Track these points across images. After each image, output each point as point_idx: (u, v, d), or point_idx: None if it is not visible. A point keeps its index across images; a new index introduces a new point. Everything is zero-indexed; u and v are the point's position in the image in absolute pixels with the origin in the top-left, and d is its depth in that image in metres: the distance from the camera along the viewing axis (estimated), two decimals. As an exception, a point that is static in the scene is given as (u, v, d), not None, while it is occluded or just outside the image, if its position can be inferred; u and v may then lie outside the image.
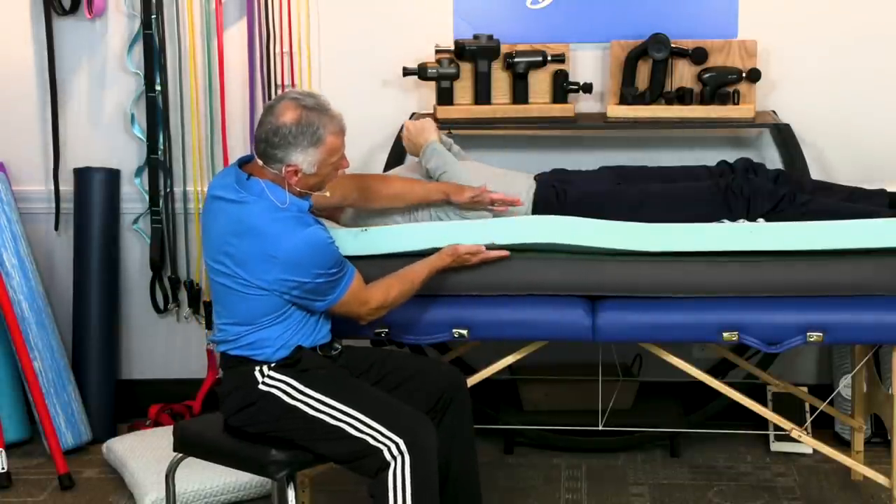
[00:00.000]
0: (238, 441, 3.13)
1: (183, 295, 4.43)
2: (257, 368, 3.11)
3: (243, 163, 3.15)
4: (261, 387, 3.09)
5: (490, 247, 3.34)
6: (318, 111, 3.03)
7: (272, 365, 3.10)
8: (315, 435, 3.05)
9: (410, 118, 4.09)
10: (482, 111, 4.03)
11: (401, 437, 2.97)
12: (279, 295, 3.04)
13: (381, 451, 2.97)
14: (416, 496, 2.96)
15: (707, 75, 3.97)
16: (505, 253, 3.35)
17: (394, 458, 2.96)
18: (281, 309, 3.08)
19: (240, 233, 3.04)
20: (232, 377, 3.16)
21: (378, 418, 3.01)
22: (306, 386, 3.07)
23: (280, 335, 3.10)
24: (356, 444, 3.00)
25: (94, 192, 4.30)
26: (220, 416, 3.21)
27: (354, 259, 3.32)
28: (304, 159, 3.03)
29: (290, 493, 3.06)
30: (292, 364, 3.11)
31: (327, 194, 3.21)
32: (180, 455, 3.24)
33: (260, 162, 3.07)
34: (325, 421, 3.03)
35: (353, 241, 3.37)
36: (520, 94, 4.04)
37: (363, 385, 3.16)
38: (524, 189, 3.57)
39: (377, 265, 3.33)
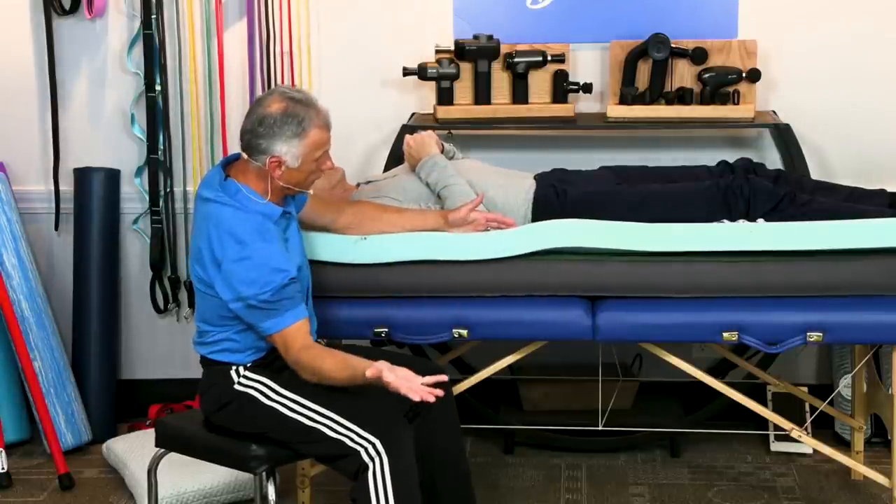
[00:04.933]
0: (218, 436, 3.14)
1: (183, 295, 4.43)
2: (233, 368, 3.12)
3: (228, 162, 3.16)
4: (237, 387, 3.10)
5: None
6: (304, 104, 3.04)
7: (248, 365, 3.12)
8: (293, 436, 3.06)
9: (410, 118, 4.09)
10: (482, 111, 4.03)
11: (377, 438, 2.97)
12: (224, 302, 3.04)
13: (359, 452, 2.97)
14: (398, 497, 2.97)
15: (707, 75, 3.97)
16: (440, 392, 2.95)
17: (372, 459, 2.97)
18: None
19: (200, 230, 3.07)
20: (209, 375, 3.18)
21: (353, 419, 3.01)
22: (282, 386, 3.08)
23: (247, 340, 3.11)
24: (334, 446, 3.01)
25: (94, 192, 4.30)
26: (201, 411, 3.23)
27: (352, 268, 3.33)
28: (287, 150, 3.03)
29: (271, 489, 3.07)
30: (268, 364, 3.11)
31: (310, 192, 3.20)
32: (162, 451, 3.25)
33: (244, 155, 3.07)
34: (302, 422, 3.04)
35: (352, 249, 3.38)
36: (520, 94, 4.04)
37: None
38: (524, 189, 3.57)
39: (376, 273, 3.33)
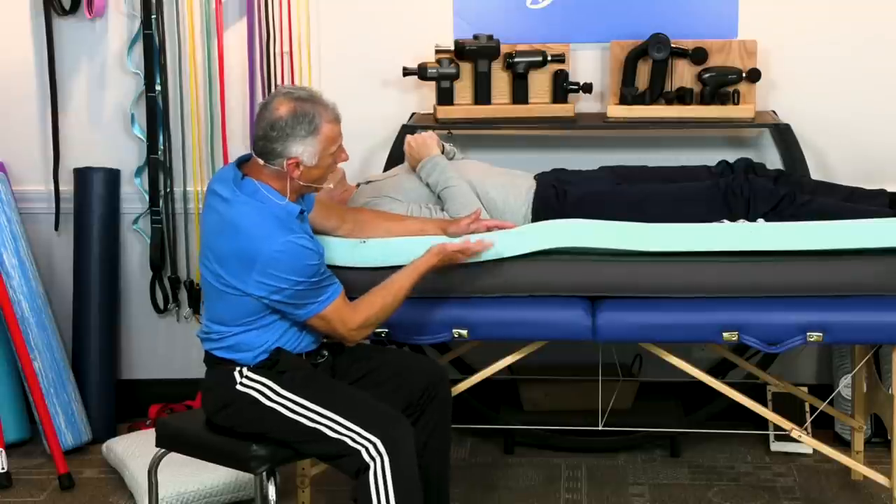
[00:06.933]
0: (218, 436, 3.14)
1: (183, 295, 4.43)
2: (237, 369, 3.12)
3: (241, 162, 3.16)
4: (238, 387, 3.11)
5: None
6: (311, 101, 3.05)
7: (251, 366, 3.12)
8: (294, 436, 3.07)
9: (410, 118, 4.09)
10: (482, 111, 4.03)
11: (378, 438, 2.98)
12: (257, 299, 3.04)
13: (360, 452, 2.98)
14: (399, 496, 2.97)
15: (707, 75, 3.97)
16: (490, 244, 3.33)
17: (372, 458, 2.97)
18: (260, 313, 3.08)
19: (223, 231, 3.05)
20: (212, 375, 3.18)
21: (354, 419, 3.01)
22: (283, 388, 3.08)
23: (262, 341, 3.11)
24: (335, 446, 3.01)
25: (94, 192, 4.30)
26: (202, 411, 3.24)
27: (351, 271, 3.33)
28: (303, 150, 3.04)
29: (271, 489, 3.07)
30: (270, 366, 3.12)
31: (331, 185, 3.22)
32: (162, 451, 3.25)
33: (260, 161, 3.08)
34: (303, 423, 3.04)
35: (351, 252, 3.38)
36: (520, 94, 4.04)
37: (340, 385, 3.17)
38: (524, 189, 3.57)
39: (374, 277, 3.33)
